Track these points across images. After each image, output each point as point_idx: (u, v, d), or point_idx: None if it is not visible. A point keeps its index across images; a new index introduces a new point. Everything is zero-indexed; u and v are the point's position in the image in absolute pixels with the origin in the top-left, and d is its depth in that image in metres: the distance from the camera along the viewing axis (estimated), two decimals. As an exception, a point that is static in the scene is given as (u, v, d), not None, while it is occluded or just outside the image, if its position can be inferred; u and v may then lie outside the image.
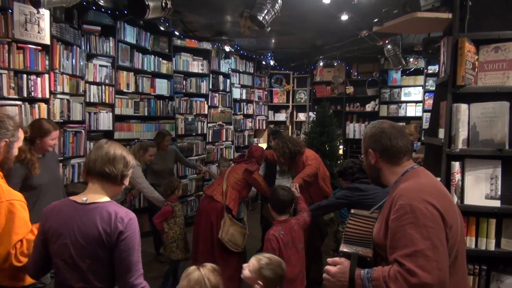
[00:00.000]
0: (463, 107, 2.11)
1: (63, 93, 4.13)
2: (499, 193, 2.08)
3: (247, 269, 2.04)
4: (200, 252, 3.52)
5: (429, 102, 6.92)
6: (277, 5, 3.17)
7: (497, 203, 2.07)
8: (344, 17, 3.92)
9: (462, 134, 2.11)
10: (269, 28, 3.20)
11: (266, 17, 3.15)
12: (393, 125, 1.57)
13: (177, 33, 5.43)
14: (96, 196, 1.65)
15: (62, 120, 4.11)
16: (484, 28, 2.11)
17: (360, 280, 1.34)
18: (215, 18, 5.04)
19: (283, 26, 4.92)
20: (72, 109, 4.28)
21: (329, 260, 1.46)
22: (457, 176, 2.11)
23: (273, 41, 6.43)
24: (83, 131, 4.46)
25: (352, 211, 1.74)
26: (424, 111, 6.95)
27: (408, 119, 7.05)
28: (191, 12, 4.75)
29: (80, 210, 1.62)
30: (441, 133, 2.31)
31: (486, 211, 2.08)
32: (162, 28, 4.93)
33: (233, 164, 4.25)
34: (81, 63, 4.43)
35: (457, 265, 1.39)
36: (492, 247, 2.08)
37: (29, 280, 1.85)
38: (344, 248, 1.46)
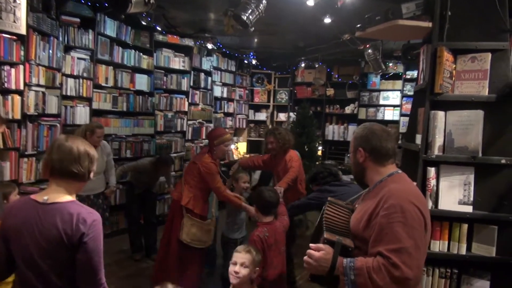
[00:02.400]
0: (440, 114, 2.16)
1: (38, 85, 4.00)
2: (472, 199, 2.14)
3: (241, 268, 2.10)
4: (160, 254, 3.53)
5: (407, 107, 7.09)
6: (261, 5, 3.17)
7: (469, 209, 2.14)
8: (327, 20, 3.95)
9: (439, 140, 2.17)
10: (253, 28, 3.19)
11: (250, 17, 3.15)
12: (384, 128, 1.66)
13: (159, 28, 5.35)
14: (58, 195, 1.58)
15: (36, 113, 3.99)
16: (462, 38, 2.17)
17: (342, 268, 1.42)
18: (199, 15, 4.99)
19: (266, 26, 4.92)
20: (48, 102, 4.15)
21: (313, 245, 1.51)
22: (433, 182, 2.17)
23: (255, 40, 6.43)
24: (58, 125, 4.33)
25: (329, 199, 1.81)
26: (401, 115, 7.12)
27: (385, 123, 7.18)
28: (174, 8, 4.68)
29: (41, 209, 1.55)
30: (418, 139, 2.37)
31: (458, 216, 2.14)
32: (144, 23, 4.84)
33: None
34: (58, 55, 4.30)
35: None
36: (463, 251, 2.15)
37: None
38: (327, 236, 1.51)
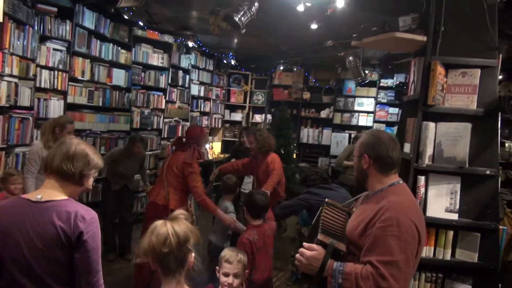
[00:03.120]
0: (431, 125, 2.25)
1: (11, 75, 3.78)
2: (458, 207, 2.25)
3: (235, 279, 2.08)
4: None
5: (380, 114, 7.33)
6: (253, 7, 3.16)
7: (455, 216, 2.25)
8: (314, 26, 4.01)
9: (429, 150, 2.26)
10: (244, 30, 3.18)
11: (242, 18, 3.13)
12: (391, 137, 1.67)
13: (141, 23, 5.20)
14: (53, 193, 1.52)
15: (8, 105, 3.77)
16: (454, 53, 2.28)
17: (331, 270, 1.45)
18: (182, 12, 4.90)
19: (251, 28, 4.92)
20: (20, 94, 3.94)
21: (306, 244, 1.54)
22: (422, 190, 2.25)
23: (235, 40, 6.41)
24: (30, 118, 4.12)
25: (327, 200, 1.83)
26: (375, 121, 7.34)
27: (359, 128, 7.39)
28: (157, 3, 4.58)
29: (34, 208, 1.47)
30: (407, 147, 2.45)
31: (445, 223, 2.24)
32: (126, 17, 4.70)
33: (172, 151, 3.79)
34: (33, 45, 4.08)
35: (414, 268, 1.53)
36: (448, 257, 2.25)
37: None
38: (321, 237, 1.53)
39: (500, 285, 2.21)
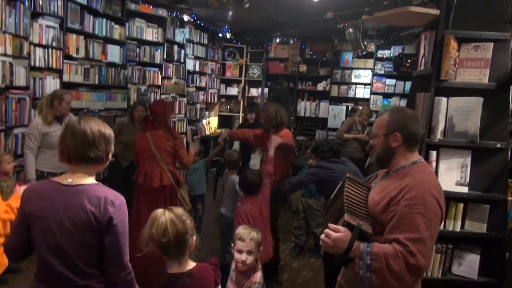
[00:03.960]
0: (443, 100, 2.26)
1: (5, 54, 3.67)
2: (468, 180, 2.30)
3: (248, 256, 2.12)
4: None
5: (377, 85, 7.32)
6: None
7: (465, 189, 2.30)
8: (315, -3, 3.91)
9: (441, 125, 2.28)
10: (248, 4, 3.09)
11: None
12: (414, 113, 1.67)
13: (134, -4, 5.03)
14: (81, 177, 1.54)
15: (4, 86, 3.68)
16: (467, 27, 2.26)
17: (359, 252, 1.46)
18: (176, -17, 4.75)
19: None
20: (16, 73, 3.83)
21: (332, 226, 1.53)
22: (434, 164, 2.29)
23: (230, 13, 6.25)
24: (27, 98, 4.03)
25: (348, 175, 1.79)
26: (372, 93, 7.33)
27: (356, 100, 7.39)
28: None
29: (66, 192, 1.50)
30: (417, 122, 2.46)
31: (455, 196, 2.29)
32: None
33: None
34: (25, 22, 3.94)
35: None
36: (458, 228, 2.32)
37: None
38: (348, 218, 1.53)
39: (507, 253, 2.29)
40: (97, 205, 1.47)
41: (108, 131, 1.60)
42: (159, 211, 1.59)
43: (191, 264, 1.63)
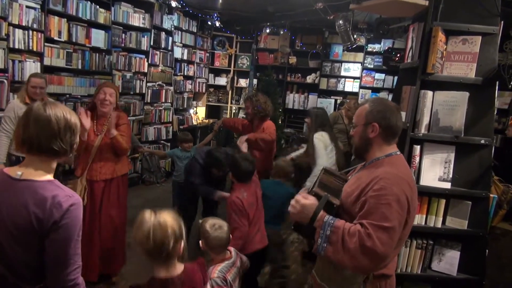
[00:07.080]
0: (429, 94, 2.21)
1: (-18, 35, 3.53)
2: (451, 176, 2.27)
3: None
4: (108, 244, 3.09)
5: (366, 79, 7.28)
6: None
7: (447, 185, 2.26)
8: (305, -14, 3.82)
9: (426, 119, 2.23)
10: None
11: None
12: (396, 105, 1.65)
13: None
14: (34, 171, 1.35)
15: (-20, 68, 3.54)
16: (455, 19, 2.20)
17: (322, 222, 1.48)
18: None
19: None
20: (-7, 55, 3.70)
21: (302, 193, 1.59)
22: (417, 159, 2.25)
23: (220, 1, 6.12)
24: (5, 81, 3.90)
25: (325, 167, 1.84)
26: (361, 87, 7.30)
27: (345, 94, 7.35)
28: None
29: (11, 187, 1.33)
30: (402, 116, 2.42)
31: (438, 192, 2.26)
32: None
33: None
34: (4, 1, 3.79)
35: (404, 237, 1.56)
36: (439, 224, 2.29)
37: None
38: (317, 190, 1.58)
39: (487, 250, 2.28)
40: (41, 205, 1.30)
41: (73, 117, 1.41)
42: (146, 215, 1.48)
43: (179, 269, 1.56)
